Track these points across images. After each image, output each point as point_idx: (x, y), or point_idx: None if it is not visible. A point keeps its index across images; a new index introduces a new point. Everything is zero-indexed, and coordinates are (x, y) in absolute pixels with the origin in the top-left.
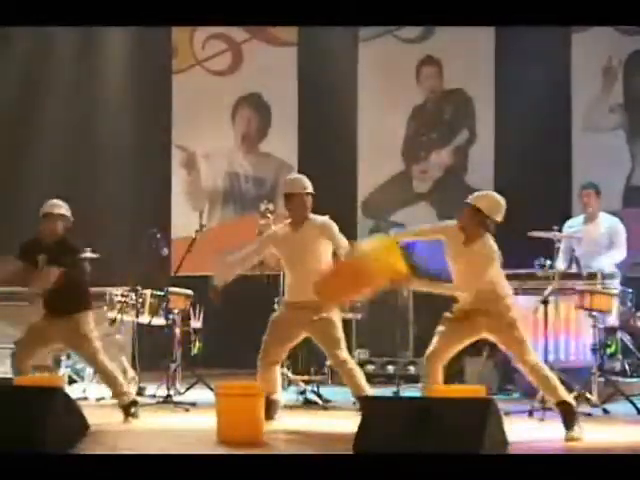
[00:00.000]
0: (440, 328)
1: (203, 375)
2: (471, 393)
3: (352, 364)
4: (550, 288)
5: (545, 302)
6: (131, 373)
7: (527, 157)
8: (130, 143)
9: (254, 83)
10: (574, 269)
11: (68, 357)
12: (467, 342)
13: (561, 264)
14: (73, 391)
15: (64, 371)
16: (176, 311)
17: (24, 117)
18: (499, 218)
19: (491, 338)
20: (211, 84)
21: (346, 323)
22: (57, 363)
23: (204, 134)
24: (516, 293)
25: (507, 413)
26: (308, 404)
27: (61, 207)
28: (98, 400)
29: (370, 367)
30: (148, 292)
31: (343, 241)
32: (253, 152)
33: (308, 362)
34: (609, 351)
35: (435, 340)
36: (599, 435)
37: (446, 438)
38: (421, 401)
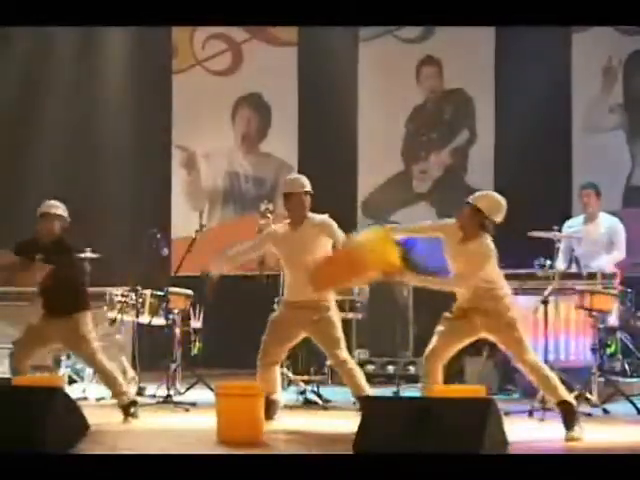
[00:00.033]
0: (439, 328)
1: (203, 375)
2: (471, 393)
3: (352, 364)
4: (550, 288)
5: (545, 302)
6: (131, 373)
7: (527, 157)
8: (130, 143)
9: (254, 83)
10: (574, 269)
11: (68, 357)
12: (466, 341)
13: (561, 264)
14: (73, 391)
15: (64, 371)
16: (176, 311)
17: (24, 117)
18: (498, 219)
19: (490, 338)
20: (211, 84)
21: (346, 323)
22: (57, 363)
23: (204, 134)
24: (516, 293)
25: (507, 413)
26: (308, 404)
27: (58, 207)
28: (98, 400)
29: (370, 367)
30: (148, 292)
31: (343, 237)
32: (253, 152)
33: (308, 362)
34: (609, 351)
35: (434, 339)
36: (599, 435)
37: (446, 438)
38: (421, 401)
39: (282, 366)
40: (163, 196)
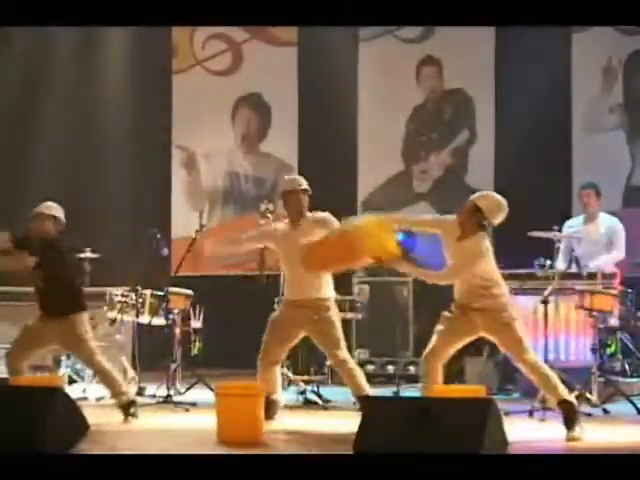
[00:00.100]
0: (439, 327)
1: (203, 375)
2: (471, 393)
3: (352, 364)
4: (550, 288)
5: (545, 302)
6: (131, 373)
7: (527, 157)
8: (130, 143)
9: (254, 83)
10: (574, 269)
11: (68, 357)
12: (466, 340)
13: (561, 264)
14: (73, 391)
15: (64, 371)
16: (176, 311)
17: (24, 117)
18: (497, 221)
19: (490, 338)
20: (211, 84)
21: (346, 323)
22: (57, 363)
23: (204, 134)
24: (516, 293)
25: (507, 413)
26: (308, 404)
27: (52, 208)
28: (98, 400)
29: (370, 367)
30: (148, 292)
31: None
32: (253, 152)
33: (308, 362)
34: (609, 351)
35: (434, 339)
36: (599, 435)
37: (446, 438)
38: (421, 401)
39: (282, 366)
40: (163, 196)
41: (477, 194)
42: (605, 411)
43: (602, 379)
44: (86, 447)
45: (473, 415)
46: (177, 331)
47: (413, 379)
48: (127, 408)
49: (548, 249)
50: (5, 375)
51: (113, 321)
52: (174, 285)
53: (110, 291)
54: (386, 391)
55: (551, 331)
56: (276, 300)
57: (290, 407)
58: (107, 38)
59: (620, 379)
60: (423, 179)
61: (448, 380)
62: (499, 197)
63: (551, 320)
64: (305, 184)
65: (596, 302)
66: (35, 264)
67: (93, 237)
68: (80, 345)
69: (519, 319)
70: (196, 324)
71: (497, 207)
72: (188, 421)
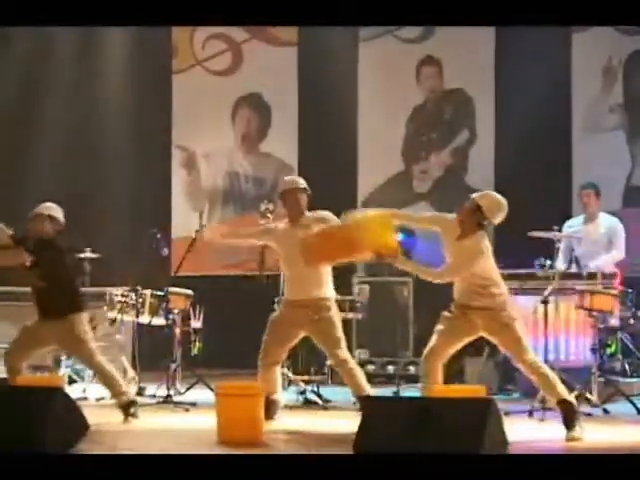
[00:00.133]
0: (439, 327)
1: (203, 375)
2: (471, 393)
3: (352, 364)
4: (550, 288)
5: (545, 302)
6: (131, 373)
7: (527, 157)
8: (130, 143)
9: (254, 83)
10: (574, 269)
11: (68, 357)
12: (466, 340)
13: (561, 264)
14: (73, 391)
15: (64, 371)
16: (176, 311)
17: (24, 117)
18: (496, 221)
19: (490, 339)
20: (211, 84)
21: (346, 323)
22: (57, 363)
23: (204, 134)
24: (516, 293)
25: (507, 413)
26: (308, 404)
27: (50, 209)
28: (98, 400)
29: (370, 367)
30: (148, 292)
31: None
32: (253, 152)
33: (308, 362)
34: (609, 351)
35: (434, 339)
36: (599, 435)
37: (446, 438)
38: (421, 401)
39: (282, 366)
40: (163, 196)
41: (477, 193)
42: (605, 411)
43: (602, 379)
44: (86, 447)
45: (473, 415)
46: (177, 331)
47: (413, 379)
48: (127, 408)
49: (548, 249)
50: (5, 375)
51: (113, 321)
52: (174, 285)
53: (110, 291)
54: (386, 391)
55: (551, 331)
56: (276, 300)
57: (290, 407)
58: (107, 38)
59: (620, 379)
60: (423, 179)
61: (448, 380)
62: (499, 197)
63: (551, 320)
64: (303, 184)
65: (596, 302)
66: (31, 263)
67: (93, 237)
68: (79, 346)
69: (519, 319)
70: (196, 324)
71: (497, 207)
72: (188, 421)
